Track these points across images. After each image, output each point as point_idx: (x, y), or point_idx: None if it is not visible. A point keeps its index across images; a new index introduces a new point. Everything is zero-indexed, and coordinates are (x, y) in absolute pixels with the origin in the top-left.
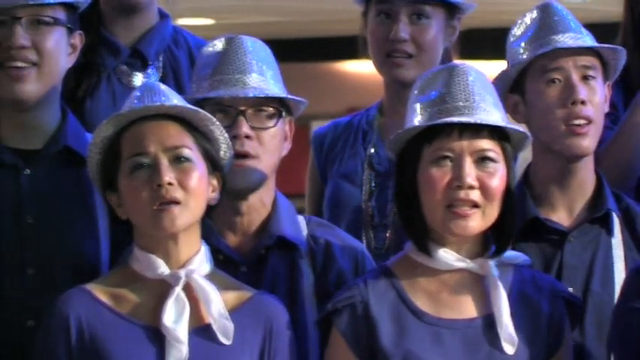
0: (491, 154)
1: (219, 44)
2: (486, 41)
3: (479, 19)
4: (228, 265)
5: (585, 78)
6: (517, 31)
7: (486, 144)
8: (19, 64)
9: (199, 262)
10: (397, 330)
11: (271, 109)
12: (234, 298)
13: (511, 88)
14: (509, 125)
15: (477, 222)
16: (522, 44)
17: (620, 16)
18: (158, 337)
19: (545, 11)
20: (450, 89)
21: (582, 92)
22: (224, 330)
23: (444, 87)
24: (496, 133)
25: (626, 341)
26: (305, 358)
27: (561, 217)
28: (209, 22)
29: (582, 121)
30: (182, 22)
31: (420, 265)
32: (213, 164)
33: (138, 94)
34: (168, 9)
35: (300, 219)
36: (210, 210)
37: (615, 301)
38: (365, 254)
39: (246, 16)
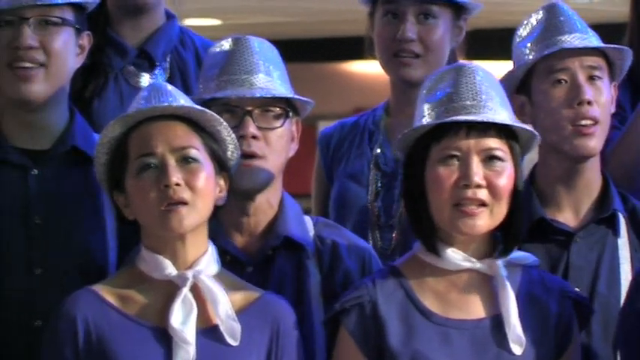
0: (498, 153)
1: (226, 45)
2: (492, 41)
3: (485, 19)
4: (234, 265)
5: (591, 78)
6: (523, 31)
7: (494, 143)
8: (27, 64)
9: (207, 263)
10: (405, 330)
11: (278, 109)
12: (242, 299)
13: (517, 89)
14: (516, 124)
15: (485, 221)
16: (528, 45)
17: (626, 16)
18: (165, 338)
19: (551, 12)
20: (457, 88)
21: (588, 93)
22: (231, 331)
23: (452, 86)
24: (504, 132)
25: (632, 343)
26: (312, 358)
27: (567, 217)
28: (216, 22)
29: (588, 122)
30: (189, 22)
31: (429, 265)
32: (221, 165)
33: (145, 94)
34: (175, 9)
35: (307, 219)
36: (217, 210)
37: (621, 301)
38: (372, 255)
39: (252, 17)
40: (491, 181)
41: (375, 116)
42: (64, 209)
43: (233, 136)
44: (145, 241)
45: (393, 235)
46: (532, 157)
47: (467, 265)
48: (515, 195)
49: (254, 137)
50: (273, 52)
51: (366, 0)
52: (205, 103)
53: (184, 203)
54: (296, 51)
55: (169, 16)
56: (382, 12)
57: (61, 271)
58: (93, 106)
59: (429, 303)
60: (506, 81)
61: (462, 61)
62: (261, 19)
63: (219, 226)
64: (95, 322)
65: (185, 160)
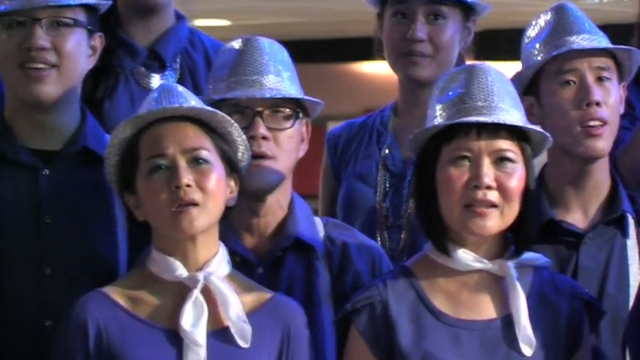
0: (509, 155)
1: (236, 45)
2: (501, 42)
3: (494, 20)
4: (244, 266)
5: (600, 79)
6: (531, 32)
7: (505, 144)
8: (39, 65)
9: (217, 264)
10: (416, 330)
11: (288, 110)
12: (252, 301)
13: (526, 90)
14: (527, 125)
15: (496, 221)
16: (537, 46)
17: (635, 17)
18: (176, 340)
19: (559, 12)
20: (469, 89)
21: (597, 94)
22: (242, 333)
23: (464, 87)
24: (515, 133)
25: None
26: (322, 359)
27: (576, 218)
28: (225, 23)
29: (597, 123)
30: (198, 23)
31: (440, 266)
32: (231, 166)
33: (155, 95)
34: (184, 10)
35: (317, 220)
36: (227, 211)
37: (630, 302)
38: (382, 256)
39: (262, 18)
40: (501, 182)
41: (383, 117)
42: (74, 209)
43: (244, 137)
44: (156, 243)
45: (401, 236)
46: (540, 159)
47: (478, 265)
48: (526, 196)
49: (264, 138)
50: (282, 53)
51: (374, 1)
52: (215, 104)
53: (195, 204)
54: (305, 52)
55: (179, 17)
56: (392, 12)
57: (71, 271)
58: (104, 107)
59: (440, 303)
60: (514, 82)
61: (474, 62)
62: (271, 19)
63: (229, 227)
64: (106, 324)
65: (196, 162)
